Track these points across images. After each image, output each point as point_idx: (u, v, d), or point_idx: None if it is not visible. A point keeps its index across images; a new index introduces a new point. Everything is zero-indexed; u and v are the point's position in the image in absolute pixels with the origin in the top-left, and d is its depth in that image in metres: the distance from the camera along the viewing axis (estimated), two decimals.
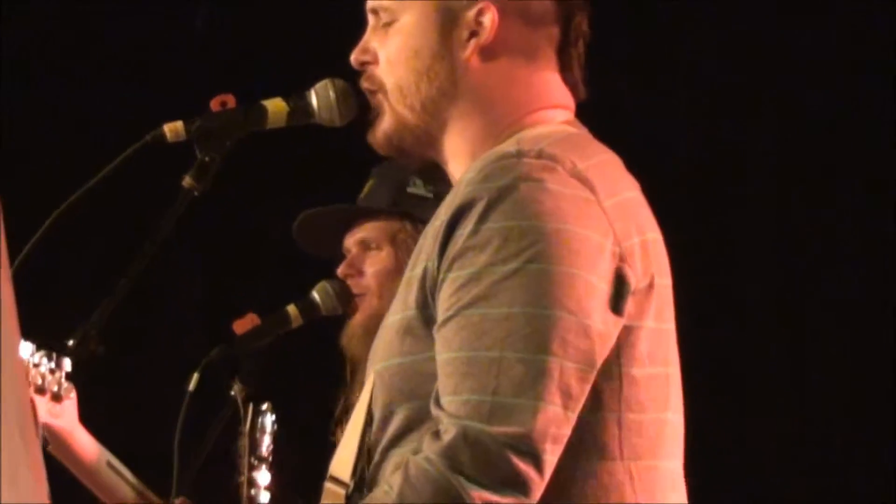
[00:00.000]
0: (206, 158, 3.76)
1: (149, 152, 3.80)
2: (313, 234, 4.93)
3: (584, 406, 3.30)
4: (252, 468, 4.15)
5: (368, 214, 4.78)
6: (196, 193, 3.75)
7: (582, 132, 3.60)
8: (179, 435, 4.04)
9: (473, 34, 3.61)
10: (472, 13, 3.59)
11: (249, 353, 4.55)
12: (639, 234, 3.41)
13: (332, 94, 3.79)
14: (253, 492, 4.14)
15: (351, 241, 4.85)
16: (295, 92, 3.87)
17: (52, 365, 3.88)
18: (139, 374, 4.35)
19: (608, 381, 3.34)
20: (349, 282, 4.84)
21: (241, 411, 4.33)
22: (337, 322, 4.82)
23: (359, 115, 3.83)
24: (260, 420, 4.30)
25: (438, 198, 4.27)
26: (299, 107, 3.81)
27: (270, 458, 4.24)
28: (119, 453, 4.41)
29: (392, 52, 3.65)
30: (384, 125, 3.64)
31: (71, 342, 3.70)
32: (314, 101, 3.80)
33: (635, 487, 3.41)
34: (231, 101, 3.82)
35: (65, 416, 3.91)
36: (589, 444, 3.35)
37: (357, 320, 4.87)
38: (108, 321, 3.68)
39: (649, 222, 3.49)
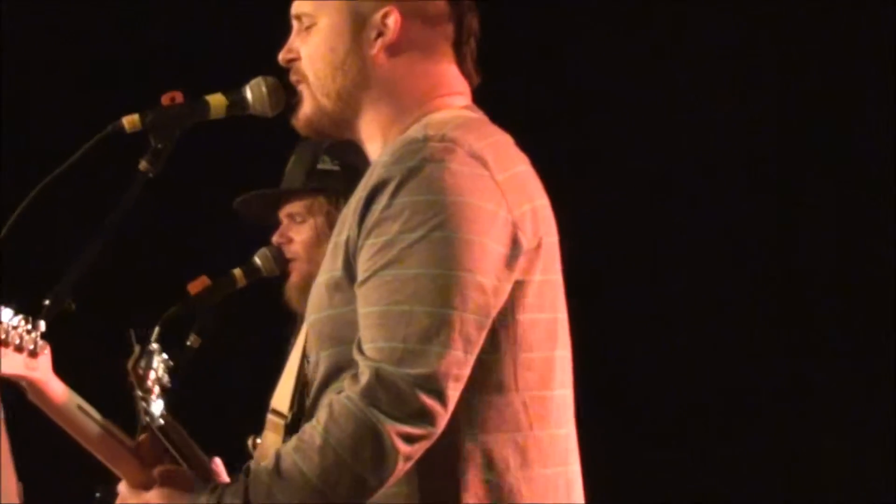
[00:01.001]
0: (159, 146, 3.81)
1: (112, 140, 3.83)
2: (252, 210, 5.02)
3: (484, 348, 3.40)
4: (142, 399, 4.18)
5: (289, 195, 4.89)
6: (150, 175, 3.81)
7: (478, 115, 3.70)
8: (134, 369, 3.96)
9: (380, 34, 3.69)
10: (378, 15, 3.68)
11: (203, 310, 4.66)
12: (529, 202, 3.50)
13: (263, 89, 3.86)
14: (147, 419, 4.17)
15: (282, 214, 4.94)
16: (232, 87, 3.91)
17: (29, 326, 3.89)
18: (108, 331, 4.40)
19: (504, 327, 3.44)
20: (283, 248, 4.93)
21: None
22: (276, 282, 4.88)
23: (286, 107, 3.90)
24: (145, 359, 4.31)
25: (345, 169, 4.45)
26: (236, 101, 3.87)
27: (159, 390, 4.24)
28: (90, 400, 4.44)
29: (312, 50, 3.74)
30: (305, 111, 3.75)
31: (46, 301, 3.78)
32: (249, 95, 3.87)
33: (529, 414, 3.50)
34: (179, 96, 3.88)
35: (40, 369, 3.86)
36: (489, 380, 3.44)
37: (292, 281, 4.97)
38: (77, 282, 3.74)
39: (538, 191, 3.59)
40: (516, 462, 3.50)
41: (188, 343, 4.67)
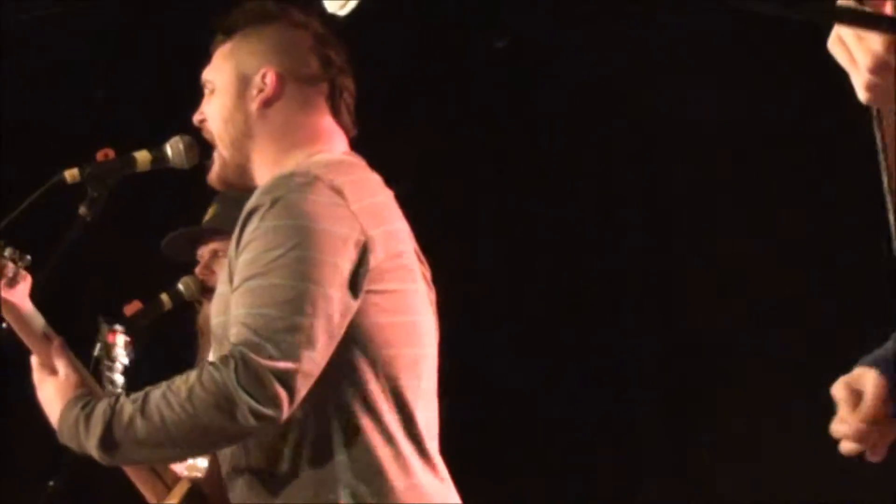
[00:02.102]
0: (95, 194, 3.88)
1: (57, 189, 3.86)
2: (176, 248, 4.92)
3: (342, 346, 3.46)
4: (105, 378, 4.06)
5: (216, 232, 4.80)
6: (88, 219, 3.88)
7: (351, 159, 3.73)
8: (93, 367, 4.06)
9: (260, 91, 3.73)
10: (258, 76, 3.73)
11: (137, 328, 4.56)
12: (383, 226, 3.56)
13: (180, 146, 3.92)
14: (110, 387, 4.11)
15: (204, 251, 4.87)
16: (155, 145, 3.96)
17: (13, 255, 3.93)
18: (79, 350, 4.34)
19: (365, 328, 3.50)
20: (204, 278, 4.84)
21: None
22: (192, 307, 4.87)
23: (201, 160, 3.92)
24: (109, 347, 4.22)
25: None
26: (158, 156, 3.95)
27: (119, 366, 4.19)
28: None
29: (212, 110, 3.79)
30: (215, 168, 3.80)
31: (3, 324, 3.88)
32: (168, 151, 3.94)
33: (393, 397, 3.55)
34: (111, 153, 3.95)
35: (17, 294, 3.88)
36: (350, 373, 3.49)
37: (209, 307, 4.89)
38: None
39: (394, 217, 3.64)
40: (384, 449, 3.53)
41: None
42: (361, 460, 3.52)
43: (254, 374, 3.34)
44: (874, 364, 2.67)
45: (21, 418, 4.25)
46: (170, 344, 4.54)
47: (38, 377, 3.76)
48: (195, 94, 3.86)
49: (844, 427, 2.67)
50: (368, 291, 3.52)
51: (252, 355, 3.35)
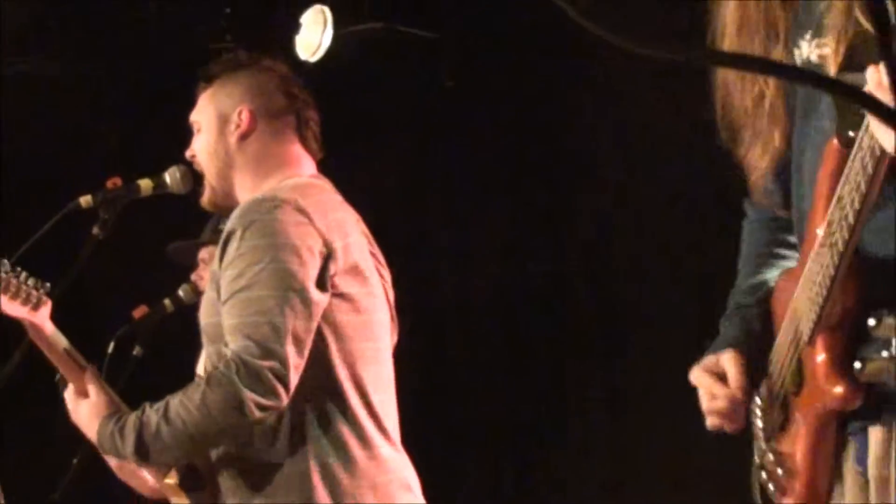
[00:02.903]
0: (106, 216, 3.92)
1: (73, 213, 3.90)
2: (179, 253, 4.86)
3: (317, 340, 3.53)
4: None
5: (202, 244, 4.79)
6: (100, 238, 3.92)
7: (316, 181, 3.78)
8: (104, 374, 3.95)
9: (237, 126, 3.76)
10: (235, 114, 3.76)
11: (144, 329, 4.63)
12: (343, 239, 3.62)
13: (177, 174, 3.96)
14: None
15: (199, 258, 4.81)
16: (156, 174, 3.98)
17: (36, 284, 3.86)
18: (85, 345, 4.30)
19: (330, 325, 3.57)
20: (196, 282, 4.79)
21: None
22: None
23: (194, 187, 3.94)
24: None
25: None
26: (158, 183, 3.99)
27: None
28: None
29: (199, 146, 3.81)
30: (206, 194, 3.82)
31: None
32: (167, 179, 3.97)
33: (355, 383, 3.60)
34: (119, 181, 3.98)
35: (40, 317, 3.84)
36: (320, 364, 3.55)
37: None
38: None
39: (352, 231, 3.68)
40: (348, 426, 3.59)
41: (134, 353, 4.66)
42: (330, 435, 3.58)
43: (254, 374, 3.43)
44: (727, 346, 2.61)
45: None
46: (173, 340, 4.51)
47: (73, 400, 3.77)
48: (186, 132, 3.87)
49: (719, 401, 2.59)
50: (332, 295, 3.58)
51: (249, 358, 3.43)
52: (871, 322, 1.07)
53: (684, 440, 5.34)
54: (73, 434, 3.90)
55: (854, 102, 1.89)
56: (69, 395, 3.80)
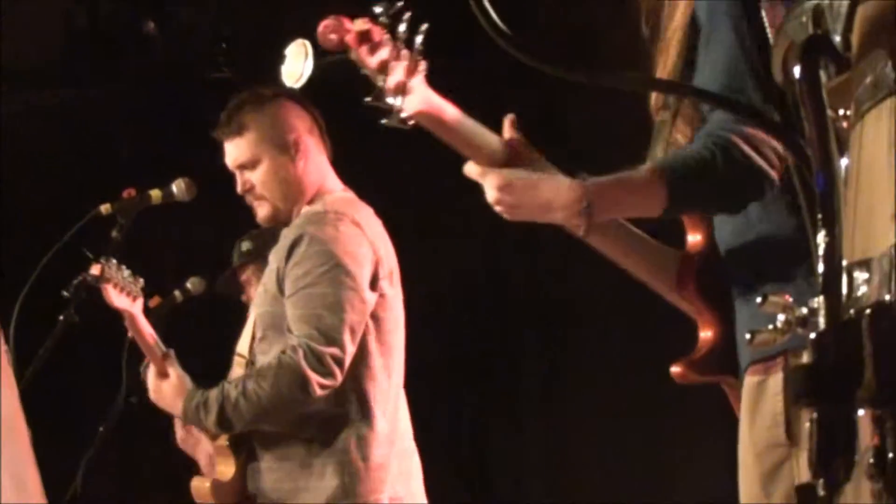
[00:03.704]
0: (123, 221, 3.92)
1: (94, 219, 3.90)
2: (228, 286, 4.70)
3: (365, 331, 3.60)
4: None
5: (249, 263, 4.61)
6: (119, 241, 3.90)
7: (353, 196, 3.80)
8: (126, 355, 4.07)
9: (297, 151, 3.72)
10: (290, 141, 3.72)
11: (157, 316, 4.31)
12: (384, 248, 3.70)
13: (182, 186, 3.97)
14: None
15: (243, 280, 4.66)
16: (164, 185, 3.98)
17: (134, 278, 3.91)
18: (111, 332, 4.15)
19: (373, 319, 3.63)
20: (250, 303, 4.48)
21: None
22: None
23: (197, 195, 4.01)
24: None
25: (256, 248, 4.46)
26: (167, 193, 3.99)
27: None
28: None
29: (263, 177, 3.72)
30: (267, 213, 3.76)
31: (61, 317, 3.87)
32: (174, 189, 3.99)
33: (385, 368, 3.67)
34: (133, 191, 3.97)
35: (136, 307, 3.90)
36: (366, 350, 3.62)
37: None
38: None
39: (386, 241, 3.73)
40: (381, 407, 3.65)
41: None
42: (364, 410, 3.65)
43: (317, 358, 3.51)
44: None
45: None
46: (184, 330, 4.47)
47: (154, 381, 3.80)
48: (189, 148, 3.96)
49: None
50: (379, 295, 3.66)
51: (314, 344, 3.51)
52: (758, 300, 1.14)
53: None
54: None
55: (736, 113, 1.95)
56: (151, 376, 3.81)
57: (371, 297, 3.63)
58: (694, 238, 2.44)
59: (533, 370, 6.32)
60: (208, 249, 5.18)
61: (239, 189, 3.80)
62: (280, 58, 5.48)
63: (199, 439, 3.95)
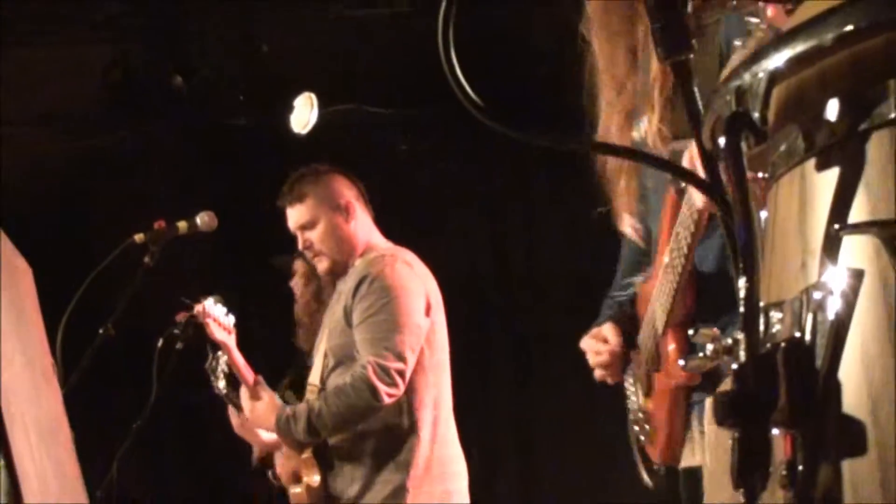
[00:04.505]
0: (154, 249, 3.93)
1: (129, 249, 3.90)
2: (283, 265, 4.65)
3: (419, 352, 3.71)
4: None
5: (296, 258, 4.51)
6: (151, 265, 3.92)
7: (394, 246, 3.92)
8: (156, 362, 4.12)
9: (348, 213, 3.88)
10: (342, 204, 3.88)
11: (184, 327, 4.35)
12: (430, 283, 3.83)
13: (206, 218, 4.00)
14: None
15: (294, 268, 4.54)
16: (190, 217, 3.99)
17: (227, 315, 4.04)
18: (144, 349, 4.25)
19: (426, 342, 3.75)
20: (295, 288, 4.60)
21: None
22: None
23: (220, 225, 4.02)
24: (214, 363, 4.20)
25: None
26: (192, 224, 4.01)
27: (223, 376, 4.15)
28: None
29: (321, 236, 3.87)
30: (326, 266, 3.90)
31: (101, 330, 3.85)
32: (198, 221, 4.01)
33: (435, 386, 3.79)
34: (163, 223, 3.97)
35: (230, 340, 4.04)
36: (421, 367, 3.74)
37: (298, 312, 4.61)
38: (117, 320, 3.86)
39: (431, 276, 3.87)
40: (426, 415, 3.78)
41: (177, 347, 4.29)
42: (421, 415, 3.77)
43: (385, 371, 3.62)
44: (607, 319, 2.62)
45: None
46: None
47: (249, 402, 3.89)
48: (216, 184, 3.91)
49: (602, 356, 2.58)
50: (431, 322, 3.77)
51: (382, 361, 3.62)
52: (691, 332, 1.15)
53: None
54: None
55: (673, 174, 1.96)
56: (244, 397, 3.92)
57: (425, 323, 3.75)
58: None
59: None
60: (228, 271, 5.15)
61: (300, 246, 3.93)
62: (289, 107, 5.59)
63: (252, 428, 4.04)
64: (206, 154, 5.56)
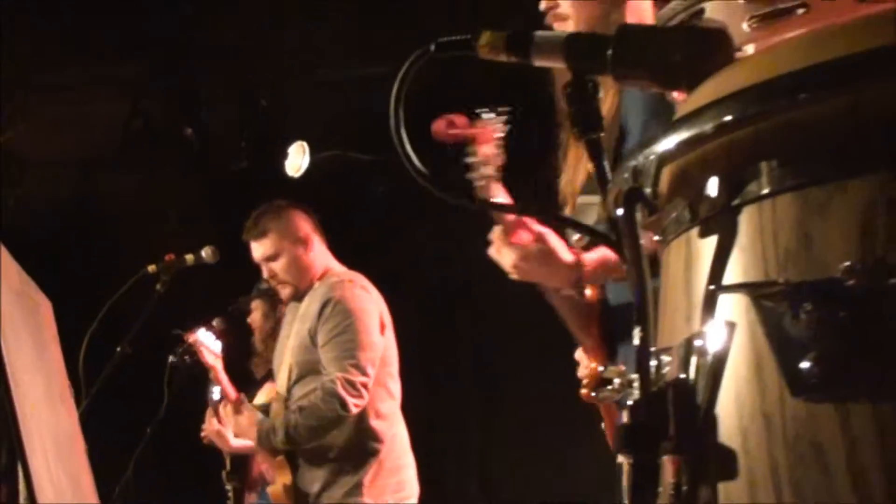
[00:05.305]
0: (165, 278, 3.95)
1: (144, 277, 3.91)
2: (242, 305, 4.74)
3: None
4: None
5: (253, 299, 4.64)
6: (162, 292, 3.93)
7: (349, 271, 3.89)
8: (167, 377, 4.18)
9: (306, 245, 3.87)
10: (301, 238, 3.88)
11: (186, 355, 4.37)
12: (382, 305, 3.81)
13: (209, 251, 4.02)
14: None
15: (252, 306, 4.75)
16: (196, 251, 4.01)
17: (215, 338, 4.04)
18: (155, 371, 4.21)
19: (381, 359, 3.73)
20: (252, 324, 4.68)
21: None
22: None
23: (222, 257, 3.99)
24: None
25: (267, 290, 4.40)
26: (197, 257, 4.03)
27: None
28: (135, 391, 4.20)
29: (283, 266, 3.84)
30: (287, 293, 3.87)
31: (118, 349, 3.84)
32: (203, 254, 4.03)
33: (387, 390, 3.78)
34: (172, 256, 4.00)
35: (218, 363, 4.02)
36: (379, 381, 3.74)
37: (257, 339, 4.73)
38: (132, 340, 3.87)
39: (381, 300, 3.83)
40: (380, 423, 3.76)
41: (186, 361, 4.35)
42: (376, 421, 3.74)
43: (351, 385, 3.60)
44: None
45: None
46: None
47: (233, 416, 3.84)
48: (216, 222, 3.92)
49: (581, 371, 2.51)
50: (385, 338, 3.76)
51: (348, 376, 3.60)
52: (601, 369, 1.17)
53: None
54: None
55: (582, 233, 1.95)
56: (228, 413, 3.88)
57: (380, 340, 3.72)
58: (589, 293, 2.43)
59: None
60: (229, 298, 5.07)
61: (265, 275, 3.89)
62: (284, 154, 5.60)
63: (222, 436, 4.00)
64: (212, 194, 5.56)
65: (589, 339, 2.36)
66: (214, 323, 4.44)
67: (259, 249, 3.89)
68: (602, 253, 2.24)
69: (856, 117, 0.88)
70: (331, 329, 3.66)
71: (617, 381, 1.15)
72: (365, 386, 3.60)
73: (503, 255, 2.22)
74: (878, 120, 0.88)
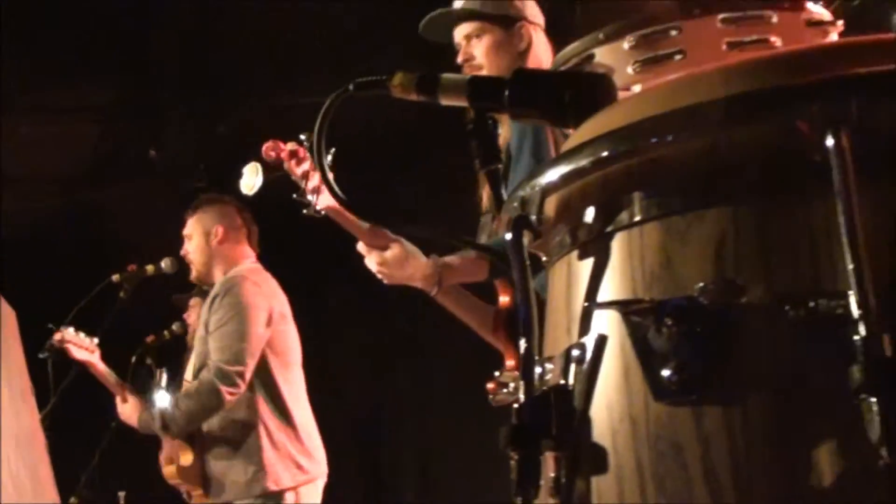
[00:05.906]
0: (128, 287, 3.90)
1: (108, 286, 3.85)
2: (179, 303, 4.56)
3: (262, 353, 3.53)
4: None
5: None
6: (125, 299, 3.89)
7: (258, 266, 3.73)
8: (130, 378, 3.96)
9: (216, 236, 3.71)
10: (213, 230, 3.70)
11: (152, 350, 4.35)
12: (276, 298, 3.65)
13: (169, 262, 3.98)
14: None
15: (190, 303, 4.55)
16: (156, 262, 3.96)
17: (90, 337, 3.79)
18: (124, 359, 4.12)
19: (269, 346, 3.57)
20: (188, 319, 4.51)
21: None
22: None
23: (180, 269, 3.90)
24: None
25: (200, 290, 4.19)
26: (158, 267, 4.01)
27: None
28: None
29: (191, 248, 3.73)
30: (194, 275, 3.77)
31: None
32: (163, 265, 3.99)
33: (282, 377, 3.60)
34: (134, 266, 3.96)
35: (94, 358, 3.78)
36: (265, 366, 3.57)
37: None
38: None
39: (280, 295, 3.69)
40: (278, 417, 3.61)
41: (147, 363, 4.28)
42: (266, 406, 3.59)
43: (226, 375, 3.46)
44: None
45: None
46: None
47: (120, 404, 3.74)
48: (174, 238, 3.81)
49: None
50: (271, 332, 3.62)
51: (223, 365, 3.47)
52: (496, 373, 1.17)
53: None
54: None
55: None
56: (118, 401, 3.75)
57: (266, 332, 3.56)
58: (504, 299, 2.43)
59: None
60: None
61: (182, 251, 3.79)
62: (239, 174, 5.53)
63: (130, 415, 3.78)
64: (172, 210, 5.48)
65: (498, 342, 2.33)
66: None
67: (186, 227, 3.84)
68: (462, 255, 2.24)
69: (713, 157, 0.90)
70: (218, 320, 3.56)
71: (512, 384, 1.15)
72: (241, 375, 3.46)
73: (369, 262, 2.26)
74: (732, 159, 0.90)
